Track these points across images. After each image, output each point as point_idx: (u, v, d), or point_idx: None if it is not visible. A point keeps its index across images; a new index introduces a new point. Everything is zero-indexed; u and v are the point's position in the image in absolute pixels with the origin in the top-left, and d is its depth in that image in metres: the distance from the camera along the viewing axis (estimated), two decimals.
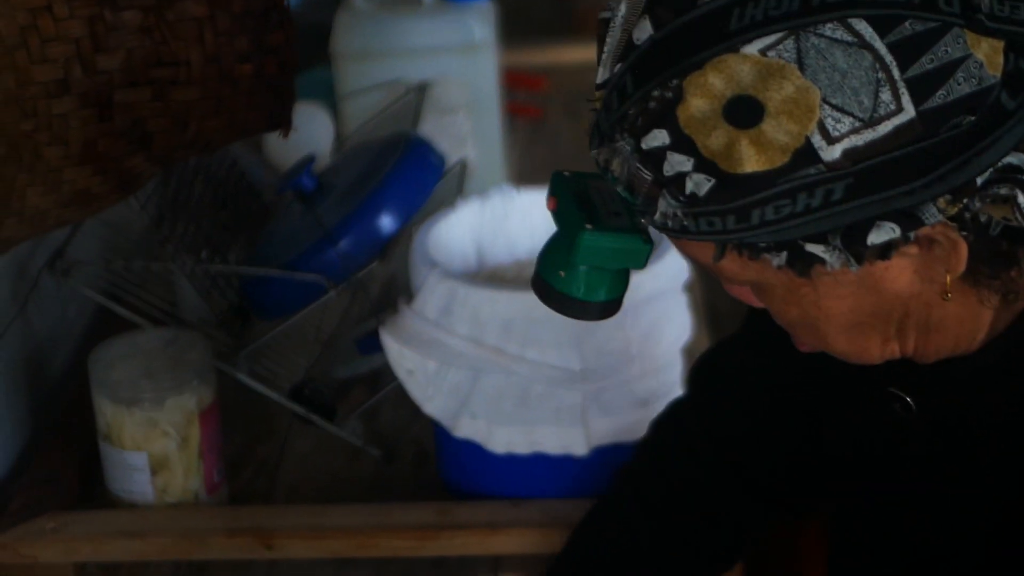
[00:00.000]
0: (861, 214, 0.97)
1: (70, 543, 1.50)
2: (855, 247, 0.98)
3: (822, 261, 0.99)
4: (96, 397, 1.54)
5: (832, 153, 0.95)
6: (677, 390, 1.55)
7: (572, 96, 2.59)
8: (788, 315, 1.07)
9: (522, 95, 2.50)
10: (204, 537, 1.50)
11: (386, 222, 1.60)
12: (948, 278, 1.02)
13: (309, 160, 1.68)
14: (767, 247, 0.99)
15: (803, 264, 1.00)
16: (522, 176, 2.22)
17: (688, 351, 1.58)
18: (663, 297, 1.49)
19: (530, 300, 1.45)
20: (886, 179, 0.96)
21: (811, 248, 0.98)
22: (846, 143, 0.95)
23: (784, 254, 0.99)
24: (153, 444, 1.53)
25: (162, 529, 1.51)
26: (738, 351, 1.37)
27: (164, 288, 1.74)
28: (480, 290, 1.46)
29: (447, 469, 1.58)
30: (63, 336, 1.81)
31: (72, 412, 1.70)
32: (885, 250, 0.99)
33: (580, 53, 2.69)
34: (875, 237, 0.97)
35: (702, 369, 1.41)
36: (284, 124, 1.46)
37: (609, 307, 1.10)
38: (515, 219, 1.63)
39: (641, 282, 1.46)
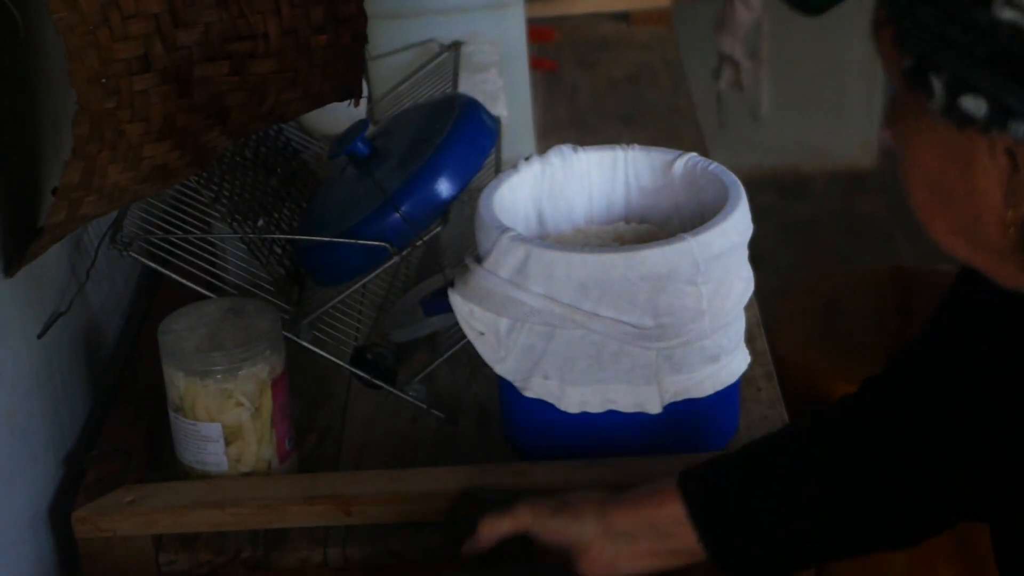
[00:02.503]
0: (977, 79, 0.99)
1: (149, 515, 1.51)
2: (951, 98, 1.01)
3: (929, 92, 1.02)
4: (167, 369, 1.54)
5: (1002, 13, 0.97)
6: (743, 345, 1.57)
7: (583, 46, 2.59)
8: (892, 128, 1.10)
9: (535, 48, 2.50)
10: (283, 506, 1.51)
11: (447, 186, 1.60)
12: (1011, 212, 1.04)
13: (363, 125, 1.68)
14: (907, 45, 1.03)
15: (914, 83, 1.04)
16: (545, 131, 2.23)
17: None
18: (731, 253, 1.50)
19: (605, 261, 1.47)
20: (1021, 74, 0.98)
21: (931, 74, 1.02)
22: (1016, 16, 0.97)
23: (911, 60, 1.03)
24: (227, 415, 1.53)
25: (241, 499, 1.52)
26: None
27: (212, 257, 1.74)
28: (555, 252, 1.46)
29: (515, 429, 1.60)
30: (114, 307, 1.81)
31: (132, 383, 1.70)
32: (964, 121, 1.01)
33: (586, 3, 2.70)
34: (967, 102, 1.01)
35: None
36: (356, 93, 1.46)
37: (821, 5, 1.13)
38: (573, 183, 1.63)
39: (711, 239, 1.48)
